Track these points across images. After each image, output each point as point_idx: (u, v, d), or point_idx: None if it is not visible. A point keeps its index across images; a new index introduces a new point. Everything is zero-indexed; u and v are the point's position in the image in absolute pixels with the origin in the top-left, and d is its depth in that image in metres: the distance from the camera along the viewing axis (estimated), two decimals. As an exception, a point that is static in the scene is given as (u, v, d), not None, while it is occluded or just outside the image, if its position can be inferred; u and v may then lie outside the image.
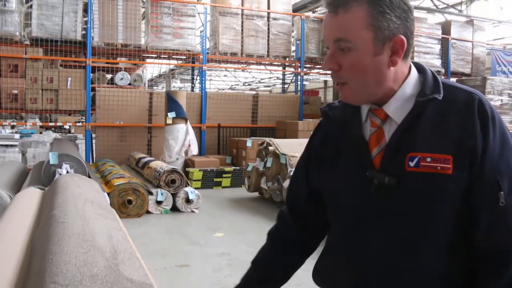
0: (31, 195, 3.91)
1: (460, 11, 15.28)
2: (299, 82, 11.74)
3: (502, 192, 1.04)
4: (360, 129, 1.18)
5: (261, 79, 22.27)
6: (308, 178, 1.36)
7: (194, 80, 12.31)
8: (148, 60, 10.95)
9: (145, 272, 1.91)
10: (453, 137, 1.06)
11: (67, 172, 4.92)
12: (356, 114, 1.20)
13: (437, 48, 12.15)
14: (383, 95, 1.13)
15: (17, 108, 8.77)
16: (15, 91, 8.51)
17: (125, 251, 2.18)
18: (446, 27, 12.41)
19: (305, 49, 11.06)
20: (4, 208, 4.76)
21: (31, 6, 8.77)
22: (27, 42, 9.12)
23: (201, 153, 9.42)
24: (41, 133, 11.51)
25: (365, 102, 1.16)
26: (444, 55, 12.26)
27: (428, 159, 1.06)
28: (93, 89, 9.20)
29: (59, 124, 12.98)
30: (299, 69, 11.37)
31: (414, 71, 1.16)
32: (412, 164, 1.07)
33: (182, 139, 8.18)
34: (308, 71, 12.46)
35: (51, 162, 5.14)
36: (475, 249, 1.09)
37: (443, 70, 12.14)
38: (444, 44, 12.24)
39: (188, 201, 6.41)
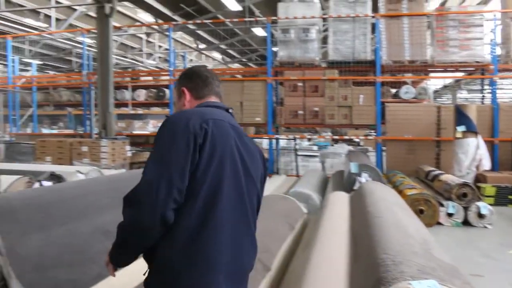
0: (340, 197, 4.64)
1: None
2: None
3: None
4: None
5: None
6: None
7: (484, 91, 11.68)
8: (433, 74, 10.98)
9: (449, 259, 2.23)
10: None
11: (366, 180, 5.57)
12: None
13: None
14: None
15: (317, 123, 10.12)
16: (316, 109, 9.87)
17: (432, 241, 2.55)
18: None
19: None
20: (314, 206, 5.72)
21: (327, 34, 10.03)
22: (325, 65, 10.48)
23: (493, 168, 8.92)
24: (332, 145, 12.80)
25: None
26: None
27: None
28: (381, 104, 9.82)
29: (348, 137, 14.19)
30: None
31: None
32: None
33: (473, 153, 7.98)
34: None
35: (352, 171, 5.89)
36: None
37: None
38: None
39: (480, 215, 6.28)
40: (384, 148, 9.69)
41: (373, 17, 9.88)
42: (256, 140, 11.65)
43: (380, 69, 9.73)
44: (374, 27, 9.91)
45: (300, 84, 10.00)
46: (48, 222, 2.54)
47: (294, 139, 10.18)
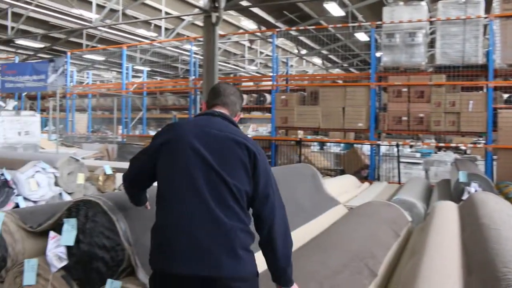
0: (448, 207, 4.51)
1: None
2: None
3: None
4: None
5: None
6: None
7: None
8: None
9: None
10: None
11: (476, 190, 5.32)
12: None
13: None
14: None
15: (422, 130, 9.79)
16: (421, 115, 9.54)
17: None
18: None
19: None
20: (419, 215, 5.58)
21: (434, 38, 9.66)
22: (431, 70, 10.10)
23: None
24: (436, 152, 12.26)
25: None
26: None
27: None
28: (493, 110, 9.24)
29: (454, 144, 13.49)
30: None
31: None
32: None
33: None
34: None
35: (460, 180, 5.65)
36: None
37: None
38: None
39: None
40: (494, 157, 9.12)
41: (486, 18, 9.34)
42: (357, 145, 11.53)
43: (493, 73, 9.17)
44: (486, 29, 9.36)
45: (404, 89, 9.74)
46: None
47: (397, 145, 9.93)
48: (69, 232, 2.61)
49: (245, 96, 14.71)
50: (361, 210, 4.82)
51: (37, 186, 5.12)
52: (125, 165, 8.25)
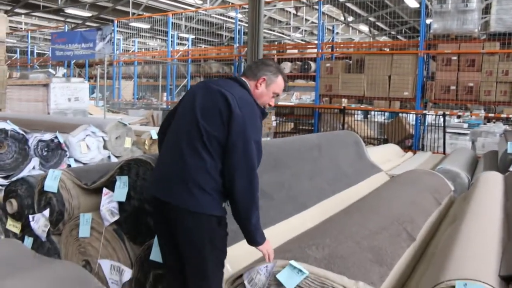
0: (493, 177, 4.45)
1: None
2: None
3: None
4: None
5: None
6: None
7: None
8: None
9: None
10: None
11: (524, 160, 5.19)
12: None
13: None
14: None
15: (471, 100, 9.49)
16: (471, 84, 9.25)
17: None
18: None
19: None
20: (462, 185, 5.52)
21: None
22: (484, 37, 9.70)
23: None
24: (484, 123, 11.85)
25: None
26: None
27: None
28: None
29: (504, 115, 12.98)
30: None
31: None
32: None
33: None
34: None
35: (509, 151, 5.52)
36: None
37: None
38: None
39: None
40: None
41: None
42: (402, 115, 11.32)
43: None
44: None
45: (454, 58, 9.43)
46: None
47: (444, 115, 9.69)
48: (121, 188, 2.79)
49: (289, 64, 14.61)
50: (403, 178, 4.83)
51: (87, 149, 5.38)
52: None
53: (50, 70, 15.36)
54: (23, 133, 4.81)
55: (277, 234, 2.97)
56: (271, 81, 2.39)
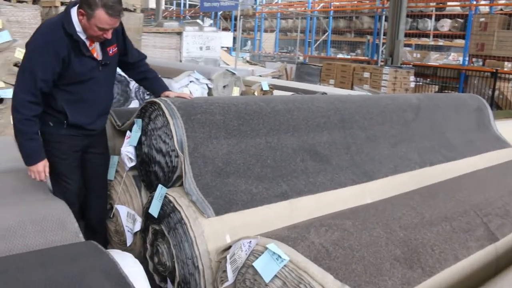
0: None
1: None
2: None
3: None
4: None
5: None
6: None
7: None
8: None
9: None
10: None
11: None
12: None
13: None
14: None
15: None
16: None
17: None
18: None
19: None
20: None
21: None
22: None
23: None
24: None
25: None
26: None
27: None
28: None
29: None
30: None
31: None
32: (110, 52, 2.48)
33: None
34: None
35: None
36: None
37: None
38: None
39: None
40: None
41: None
42: None
43: None
44: None
45: None
46: (245, 130, 2.49)
47: None
48: (136, 132, 2.54)
49: (448, 21, 12.97)
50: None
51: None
52: (295, 84, 8.16)
53: (198, 21, 15.92)
54: (125, 76, 4.89)
55: (315, 205, 2.47)
56: (90, 16, 2.23)
